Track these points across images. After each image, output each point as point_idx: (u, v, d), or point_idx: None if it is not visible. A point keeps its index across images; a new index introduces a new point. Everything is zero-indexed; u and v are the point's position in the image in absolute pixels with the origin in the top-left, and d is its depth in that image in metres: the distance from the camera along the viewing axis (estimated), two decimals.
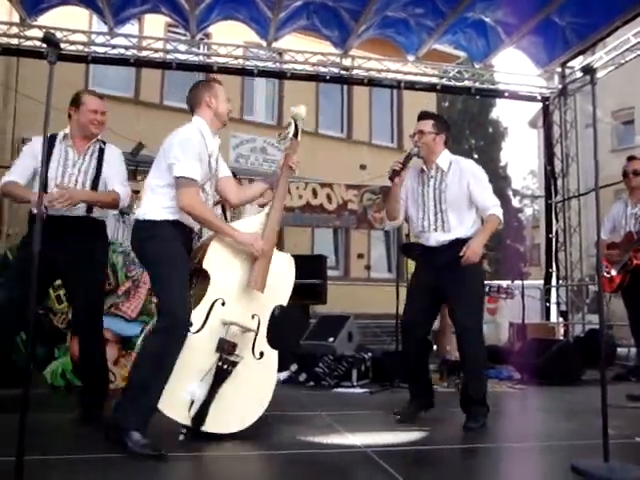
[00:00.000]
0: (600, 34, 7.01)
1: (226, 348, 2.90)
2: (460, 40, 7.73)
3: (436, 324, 5.43)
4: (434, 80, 8.44)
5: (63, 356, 4.71)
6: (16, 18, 7.47)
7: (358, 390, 4.90)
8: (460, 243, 3.42)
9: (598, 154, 2.71)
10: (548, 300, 8.68)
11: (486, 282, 6.82)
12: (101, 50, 7.60)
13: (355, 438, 3.03)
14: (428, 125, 3.63)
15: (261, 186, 3.46)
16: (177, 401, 2.81)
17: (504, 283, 6.94)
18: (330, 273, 8.54)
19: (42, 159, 2.32)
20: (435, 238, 3.53)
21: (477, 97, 11.90)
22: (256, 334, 3.04)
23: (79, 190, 3.41)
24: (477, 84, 8.43)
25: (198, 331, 2.89)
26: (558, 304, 8.55)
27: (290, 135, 3.47)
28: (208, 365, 2.88)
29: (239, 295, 3.02)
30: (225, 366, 2.89)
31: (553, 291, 8.63)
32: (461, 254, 3.32)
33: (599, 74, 7.27)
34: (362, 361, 5.24)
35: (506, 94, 8.72)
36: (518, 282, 6.58)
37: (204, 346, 2.89)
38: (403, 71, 8.21)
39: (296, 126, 3.50)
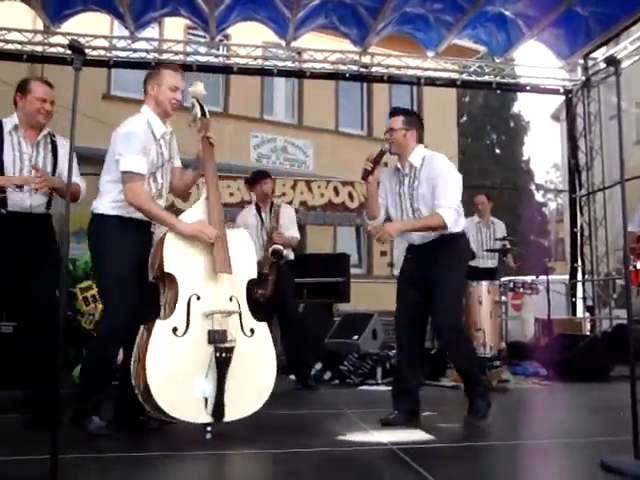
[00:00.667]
0: (624, 23, 6.89)
1: (217, 338, 2.88)
2: (480, 34, 7.67)
3: None
4: (454, 75, 8.39)
5: None
6: (40, 26, 7.60)
7: (383, 388, 4.90)
8: (441, 241, 3.40)
9: (623, 146, 2.68)
10: (574, 295, 8.57)
11: (511, 278, 6.80)
12: (122, 54, 7.69)
13: (381, 435, 3.03)
14: (398, 122, 3.57)
15: (191, 174, 3.42)
16: (191, 405, 2.82)
17: (529, 278, 6.87)
18: (353, 271, 8.55)
19: (69, 165, 2.33)
20: (417, 235, 3.47)
21: (498, 91, 11.81)
22: (240, 314, 3.03)
23: (52, 177, 3.34)
24: (498, 78, 8.36)
25: (185, 333, 2.89)
26: (584, 299, 8.44)
27: (198, 115, 3.43)
28: (207, 360, 2.86)
29: (210, 284, 2.99)
30: (223, 354, 2.87)
31: (579, 286, 8.53)
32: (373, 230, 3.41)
33: (623, 64, 7.13)
34: (387, 359, 5.24)
35: (528, 88, 8.63)
36: (543, 277, 6.52)
37: (196, 344, 2.88)
38: (423, 67, 8.17)
39: (200, 105, 3.47)
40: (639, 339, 6.97)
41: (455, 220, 3.37)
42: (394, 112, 3.69)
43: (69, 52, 7.17)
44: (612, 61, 2.87)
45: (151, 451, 2.69)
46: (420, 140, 3.62)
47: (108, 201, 3.08)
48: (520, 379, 5.40)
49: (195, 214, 3.10)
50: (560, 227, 23.72)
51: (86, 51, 7.19)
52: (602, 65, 7.90)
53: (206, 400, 2.84)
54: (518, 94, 23.99)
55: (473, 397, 3.35)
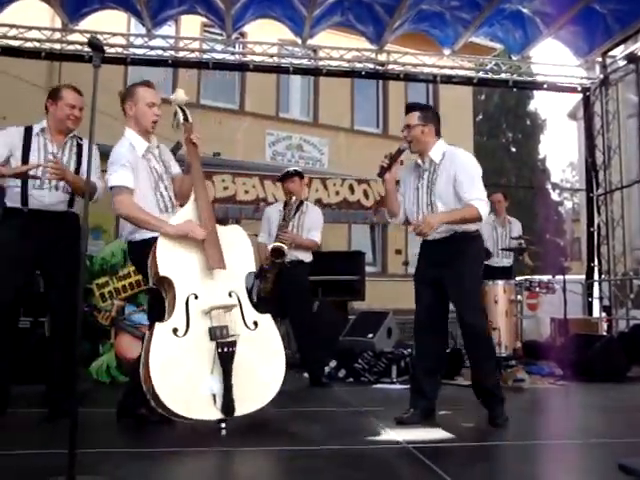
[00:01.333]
0: None
1: (218, 334, 2.89)
2: (497, 32, 7.62)
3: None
4: (471, 73, 8.33)
5: (108, 352, 4.82)
6: (58, 24, 7.66)
7: (398, 386, 4.90)
8: (457, 238, 3.37)
9: None
10: (590, 295, 8.49)
11: (527, 277, 6.75)
12: (139, 52, 7.73)
13: (396, 434, 3.03)
14: (414, 118, 3.52)
15: (188, 178, 3.40)
16: (200, 403, 2.83)
17: (545, 278, 6.82)
18: (368, 269, 8.55)
19: (88, 161, 2.35)
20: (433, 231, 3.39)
21: (514, 90, 11.73)
22: (241, 307, 3.04)
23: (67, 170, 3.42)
24: (515, 76, 8.30)
25: (185, 333, 2.89)
26: (601, 299, 8.36)
27: (181, 121, 3.48)
28: (211, 357, 2.87)
29: (206, 281, 3.01)
30: (225, 349, 2.88)
31: (595, 286, 8.45)
32: (413, 225, 3.32)
33: None
34: (402, 357, 5.23)
35: (545, 86, 8.55)
36: (559, 277, 6.47)
37: (198, 343, 2.90)
38: (439, 65, 8.13)
39: (183, 110, 3.51)
40: None
41: (487, 212, 3.37)
42: (410, 108, 3.63)
43: (87, 50, 7.23)
44: (633, 58, 2.85)
45: (165, 447, 2.71)
46: (438, 134, 3.58)
47: None
48: (536, 379, 5.36)
49: (183, 216, 3.13)
50: (576, 226, 23.55)
51: (104, 49, 7.24)
52: (621, 63, 7.81)
53: (214, 397, 2.85)
54: (534, 92, 23.85)
55: (490, 405, 3.35)
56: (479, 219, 3.33)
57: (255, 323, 3.07)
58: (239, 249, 3.22)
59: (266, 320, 3.13)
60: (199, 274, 3.02)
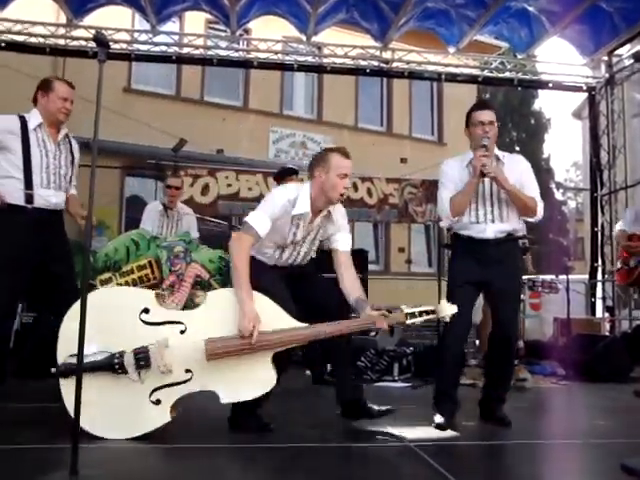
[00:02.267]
0: None
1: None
2: (502, 30, 7.60)
3: (477, 318, 5.38)
4: (475, 72, 8.32)
5: None
6: (63, 19, 7.66)
7: (400, 384, 4.89)
8: (514, 238, 3.40)
9: None
10: (593, 295, 8.47)
11: (530, 277, 6.73)
12: (144, 48, 7.73)
13: (399, 433, 3.02)
14: (494, 116, 3.50)
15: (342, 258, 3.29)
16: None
17: (548, 277, 6.81)
18: (371, 267, 8.54)
19: (92, 160, 2.35)
20: (492, 229, 3.35)
21: (519, 88, 11.70)
22: (185, 381, 2.84)
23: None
24: (520, 75, 8.28)
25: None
26: (604, 299, 8.35)
27: None
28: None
29: (192, 339, 2.83)
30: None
31: (599, 286, 8.43)
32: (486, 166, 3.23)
33: None
34: (404, 355, 5.22)
35: (550, 85, 8.53)
36: (562, 277, 6.45)
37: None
38: (444, 63, 8.12)
39: None
40: None
41: (542, 213, 3.39)
42: (487, 106, 3.59)
43: (91, 45, 7.24)
44: (639, 57, 2.82)
45: (168, 443, 2.71)
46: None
47: None
48: (538, 378, 5.35)
49: (260, 306, 2.87)
50: (579, 226, 23.48)
51: (109, 44, 7.28)
52: (627, 62, 7.78)
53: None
54: (539, 91, 23.79)
55: (498, 406, 3.35)
56: (534, 214, 3.36)
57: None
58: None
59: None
60: (206, 330, 2.88)
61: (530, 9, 7.05)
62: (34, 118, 3.48)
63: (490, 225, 3.37)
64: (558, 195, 27.70)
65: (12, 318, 3.81)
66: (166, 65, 9.30)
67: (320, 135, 12.11)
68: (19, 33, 7.33)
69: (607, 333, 8.04)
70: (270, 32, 8.38)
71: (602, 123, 8.46)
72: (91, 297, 2.63)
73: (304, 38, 7.73)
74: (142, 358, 2.78)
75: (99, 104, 2.27)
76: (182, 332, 2.85)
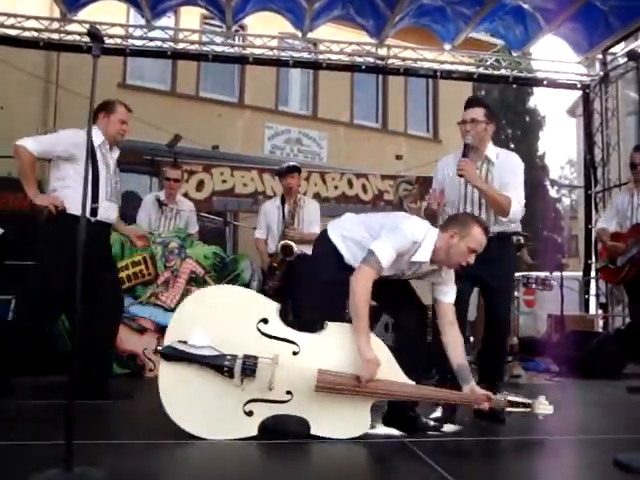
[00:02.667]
0: None
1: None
2: (498, 28, 7.61)
3: (472, 314, 5.39)
4: (471, 69, 8.33)
5: None
6: (57, 13, 7.63)
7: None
8: (505, 237, 3.41)
9: None
10: (587, 292, 8.52)
11: (524, 273, 6.76)
12: (139, 43, 7.71)
13: (394, 430, 3.03)
14: (480, 113, 3.46)
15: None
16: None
17: (542, 274, 6.83)
18: None
19: (87, 157, 2.34)
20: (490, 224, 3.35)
21: (514, 86, 11.72)
22: (283, 402, 2.80)
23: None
24: (515, 72, 8.29)
25: None
26: (597, 296, 8.39)
27: None
28: None
29: (303, 364, 2.79)
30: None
31: (592, 283, 8.47)
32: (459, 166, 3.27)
33: None
34: None
35: (545, 82, 8.55)
36: (556, 273, 6.48)
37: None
38: (439, 60, 8.12)
39: None
40: None
41: (516, 216, 3.36)
42: (475, 103, 3.57)
43: (85, 40, 7.21)
44: (633, 55, 2.84)
45: (164, 439, 2.71)
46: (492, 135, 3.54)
47: None
48: (532, 375, 5.39)
49: (378, 348, 2.87)
50: (573, 223, 23.57)
51: (104, 39, 7.27)
52: (621, 60, 7.81)
53: None
54: (534, 89, 23.86)
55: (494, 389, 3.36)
56: (506, 214, 3.32)
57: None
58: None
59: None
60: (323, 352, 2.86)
61: (525, 7, 7.06)
62: (97, 136, 3.70)
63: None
64: (552, 192, 27.79)
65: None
66: (161, 61, 9.28)
67: (315, 131, 12.11)
68: (12, 27, 7.29)
69: (600, 330, 8.09)
70: (266, 28, 8.36)
71: (596, 121, 8.49)
72: (217, 290, 2.77)
73: (300, 34, 7.73)
74: (249, 367, 2.74)
75: (93, 99, 2.26)
76: (294, 353, 2.81)
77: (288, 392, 2.78)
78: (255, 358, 2.75)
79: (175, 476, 2.21)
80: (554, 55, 13.34)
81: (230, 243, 10.61)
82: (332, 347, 2.86)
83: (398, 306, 3.25)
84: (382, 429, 2.97)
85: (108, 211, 3.73)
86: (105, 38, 7.32)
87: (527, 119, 27.03)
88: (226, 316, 2.83)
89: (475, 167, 3.37)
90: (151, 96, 10.77)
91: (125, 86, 10.67)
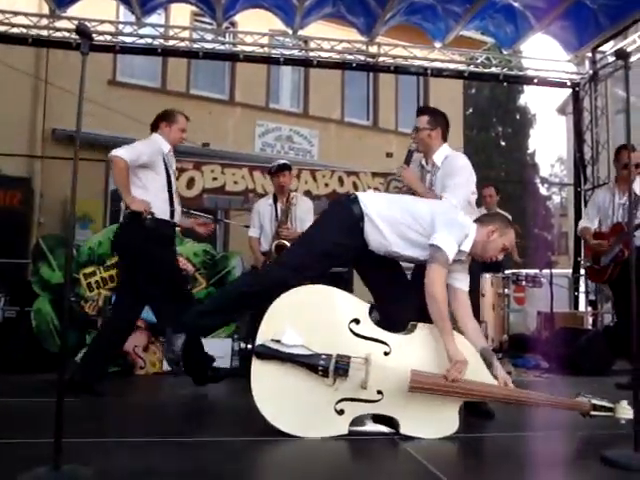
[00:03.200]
0: (633, 16, 6.81)
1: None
2: (488, 26, 7.62)
3: None
4: (461, 67, 8.34)
5: None
6: (45, 10, 7.57)
7: None
8: None
9: (630, 140, 2.67)
10: (577, 289, 8.57)
11: (514, 271, 6.80)
12: (129, 40, 7.65)
13: (383, 427, 3.04)
14: (424, 121, 3.66)
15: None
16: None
17: (532, 272, 6.87)
18: None
19: (75, 154, 2.33)
20: None
21: (505, 84, 11.75)
22: (374, 401, 2.84)
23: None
24: (505, 70, 8.31)
25: None
26: (587, 293, 8.44)
27: None
28: None
29: (394, 364, 2.83)
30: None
31: (582, 280, 8.52)
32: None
33: (632, 58, 7.09)
34: None
35: (535, 80, 8.57)
36: (546, 271, 6.52)
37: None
38: (430, 58, 8.12)
39: None
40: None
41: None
42: (420, 111, 3.79)
43: (75, 37, 7.15)
44: (622, 54, 2.85)
45: (151, 437, 2.71)
46: (445, 138, 3.68)
47: None
48: (521, 371, 5.41)
49: (467, 350, 2.90)
50: (563, 221, 23.70)
51: (92, 36, 7.21)
52: (610, 59, 7.86)
53: None
54: (524, 87, 23.93)
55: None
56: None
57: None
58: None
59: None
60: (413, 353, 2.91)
61: (515, 5, 7.07)
62: (164, 144, 4.04)
63: None
64: (543, 190, 27.93)
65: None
66: (151, 58, 9.22)
67: (306, 129, 12.10)
68: (0, 23, 7.22)
69: (590, 327, 8.14)
70: (256, 25, 8.34)
71: (586, 119, 8.52)
72: (309, 289, 2.85)
73: (290, 32, 7.71)
74: (342, 367, 2.77)
75: (81, 97, 2.25)
76: (386, 354, 2.85)
77: (379, 392, 2.81)
78: (348, 358, 2.78)
79: (164, 475, 2.21)
80: (544, 53, 13.40)
81: (220, 241, 10.60)
82: (421, 347, 2.90)
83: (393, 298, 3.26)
84: (372, 426, 2.98)
85: (180, 214, 4.09)
86: (95, 35, 7.26)
87: (517, 117, 27.14)
88: (317, 315, 2.87)
89: (416, 172, 3.68)
90: (141, 93, 10.72)
91: (115, 83, 10.62)
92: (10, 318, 5.51)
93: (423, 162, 3.70)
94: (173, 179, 4.04)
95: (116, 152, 3.70)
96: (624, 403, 2.95)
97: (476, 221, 3.16)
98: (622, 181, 4.86)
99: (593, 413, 2.97)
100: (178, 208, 4.04)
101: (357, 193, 3.18)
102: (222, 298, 3.32)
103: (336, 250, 3.07)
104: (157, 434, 2.76)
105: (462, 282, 3.13)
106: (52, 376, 2.18)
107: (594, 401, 2.99)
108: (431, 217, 3.00)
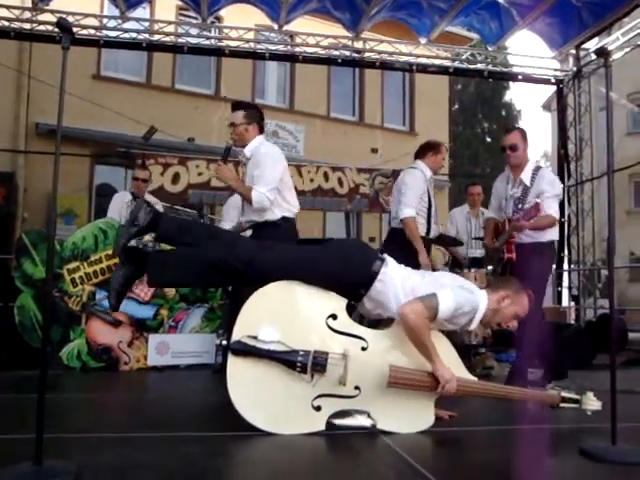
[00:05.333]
0: (617, 14, 6.89)
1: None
2: (473, 22, 7.66)
3: None
4: (446, 63, 8.37)
5: (78, 338, 4.79)
6: (28, 3, 7.49)
7: None
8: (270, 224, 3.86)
9: (613, 137, 2.70)
10: (560, 284, 8.65)
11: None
12: (113, 34, 7.60)
13: (365, 420, 3.05)
14: (239, 116, 3.87)
15: None
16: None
17: None
18: None
19: (56, 145, 2.31)
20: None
21: (490, 80, 11.81)
22: (351, 397, 2.84)
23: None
24: (490, 67, 8.36)
25: None
26: (570, 288, 8.53)
27: None
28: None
29: (371, 359, 2.82)
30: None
31: (565, 275, 8.61)
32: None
33: (615, 55, 7.16)
34: None
35: (519, 77, 8.64)
36: None
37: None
38: (415, 54, 8.15)
39: None
40: (621, 328, 7.12)
41: (261, 204, 3.75)
42: (234, 107, 3.96)
43: (58, 30, 7.08)
44: (602, 53, 2.87)
45: (139, 432, 2.71)
46: (261, 131, 3.96)
47: None
48: (504, 366, 5.45)
49: (444, 346, 2.89)
50: None
51: (75, 30, 7.16)
52: (593, 56, 7.91)
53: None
54: (510, 83, 24.07)
55: None
56: (251, 202, 3.76)
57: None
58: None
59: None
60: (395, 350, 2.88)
61: (500, 1, 7.11)
62: (427, 170, 4.76)
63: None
64: None
65: None
66: (136, 52, 9.17)
67: (292, 124, 12.07)
68: None
69: (573, 321, 8.23)
70: (242, 20, 8.31)
71: (569, 116, 8.60)
72: (285, 285, 2.81)
73: (276, 27, 7.69)
74: (319, 363, 2.75)
75: (63, 91, 2.24)
76: (363, 349, 2.83)
77: (356, 387, 2.81)
78: (326, 354, 2.77)
79: (148, 469, 2.21)
80: (529, 50, 13.44)
81: None
82: (397, 343, 2.88)
83: None
84: (352, 420, 3.00)
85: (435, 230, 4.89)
86: (78, 29, 7.21)
87: (503, 113, 27.27)
88: (294, 311, 2.85)
89: (232, 170, 4.10)
90: (126, 88, 10.65)
91: (100, 77, 10.54)
92: None
93: (240, 155, 4.00)
94: (433, 202, 4.79)
95: (404, 213, 4.53)
96: (590, 395, 3.00)
97: (487, 287, 3.09)
98: (515, 169, 4.26)
99: (562, 405, 3.02)
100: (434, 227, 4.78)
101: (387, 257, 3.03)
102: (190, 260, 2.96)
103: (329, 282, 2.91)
104: (141, 429, 2.76)
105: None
106: (35, 372, 2.17)
107: (563, 394, 3.03)
108: (441, 284, 2.90)
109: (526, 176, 4.15)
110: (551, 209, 4.02)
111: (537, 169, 4.19)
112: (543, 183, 4.07)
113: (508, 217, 4.22)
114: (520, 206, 4.10)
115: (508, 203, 4.24)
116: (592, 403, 2.98)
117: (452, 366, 2.85)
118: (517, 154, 4.16)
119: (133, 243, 3.48)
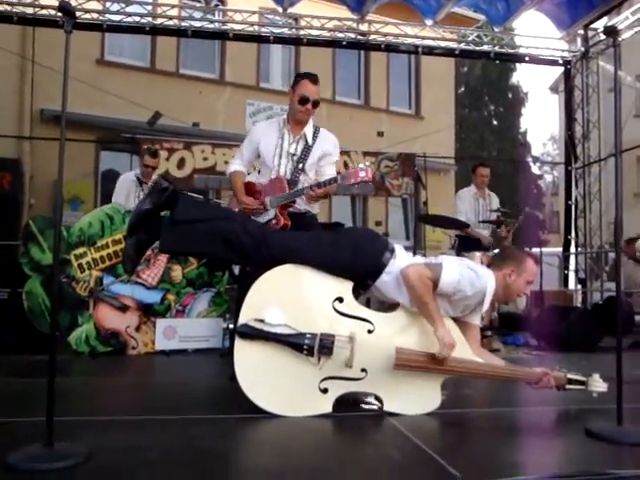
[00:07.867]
0: None
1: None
2: (479, 3, 7.59)
3: None
4: (453, 45, 8.30)
5: (87, 323, 4.82)
6: None
7: None
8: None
9: (621, 119, 2.67)
10: (567, 267, 8.64)
11: None
12: (116, 18, 7.56)
13: (372, 401, 3.07)
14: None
15: None
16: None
17: None
18: None
19: (62, 134, 2.31)
20: None
21: (497, 62, 11.69)
22: (358, 379, 2.85)
23: None
24: (497, 48, 8.28)
25: None
26: (577, 271, 8.51)
27: None
28: None
29: (378, 342, 2.83)
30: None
31: (572, 258, 8.58)
32: None
33: (624, 35, 7.06)
34: None
35: (526, 58, 8.56)
36: (536, 249, 6.55)
37: None
38: (421, 36, 8.08)
39: None
40: (628, 311, 7.10)
41: None
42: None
43: (60, 14, 7.04)
44: (610, 31, 2.83)
45: (148, 415, 2.73)
46: None
47: None
48: (511, 349, 5.47)
49: (450, 328, 2.89)
50: (555, 200, 23.75)
51: (78, 14, 7.12)
52: (602, 36, 7.82)
53: None
54: (516, 65, 23.86)
55: None
56: None
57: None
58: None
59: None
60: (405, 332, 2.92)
61: None
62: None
63: None
64: (535, 169, 27.93)
65: None
66: (140, 36, 9.12)
67: None
68: None
69: (579, 304, 8.22)
70: (246, 3, 8.25)
71: (577, 97, 8.52)
72: (292, 269, 2.81)
73: (280, 10, 7.63)
74: (326, 345, 2.77)
75: (67, 76, 2.23)
76: (369, 332, 2.85)
77: (363, 369, 2.83)
78: (332, 336, 2.79)
79: (156, 451, 2.24)
80: (536, 31, 13.31)
81: None
82: (404, 326, 2.91)
83: None
84: (359, 402, 3.01)
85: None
86: (81, 13, 7.17)
87: (510, 96, 27.02)
88: (301, 294, 2.86)
89: None
90: (130, 73, 10.62)
91: (103, 62, 10.51)
92: (1, 299, 5.50)
93: None
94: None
95: None
96: (596, 376, 3.01)
97: (489, 266, 3.08)
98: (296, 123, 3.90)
99: (568, 387, 3.03)
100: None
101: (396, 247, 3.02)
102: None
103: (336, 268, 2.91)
104: (149, 412, 2.79)
105: (475, 317, 3.09)
106: (45, 357, 2.19)
107: (569, 375, 3.04)
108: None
109: (309, 132, 3.84)
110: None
111: (317, 128, 3.94)
112: (329, 144, 3.88)
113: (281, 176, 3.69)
114: (301, 166, 3.76)
115: (282, 160, 3.77)
116: (598, 385, 2.99)
117: (458, 344, 2.85)
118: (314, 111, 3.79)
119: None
